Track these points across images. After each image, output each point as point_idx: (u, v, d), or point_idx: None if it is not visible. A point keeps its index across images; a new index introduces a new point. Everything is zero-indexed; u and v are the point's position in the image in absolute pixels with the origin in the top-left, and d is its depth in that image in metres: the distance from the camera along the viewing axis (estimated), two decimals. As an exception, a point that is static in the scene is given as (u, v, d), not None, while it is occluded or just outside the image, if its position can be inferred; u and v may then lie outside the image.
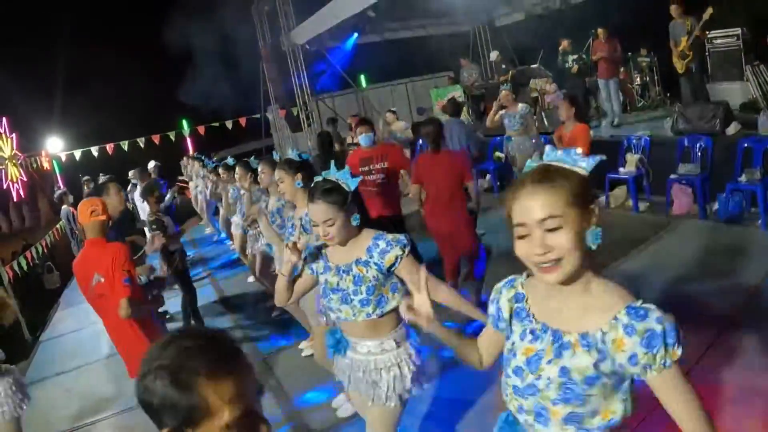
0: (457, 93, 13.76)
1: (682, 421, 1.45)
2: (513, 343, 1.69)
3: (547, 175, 1.51)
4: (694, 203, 7.28)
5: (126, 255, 3.68)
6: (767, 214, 6.42)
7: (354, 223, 2.63)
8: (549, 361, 1.56)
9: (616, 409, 1.53)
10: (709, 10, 8.52)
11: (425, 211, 5.55)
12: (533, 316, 1.65)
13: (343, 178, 2.67)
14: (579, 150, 1.57)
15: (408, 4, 12.38)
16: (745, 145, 6.95)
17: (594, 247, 1.48)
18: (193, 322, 6.29)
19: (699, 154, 7.41)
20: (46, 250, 10.87)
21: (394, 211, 5.87)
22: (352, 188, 2.66)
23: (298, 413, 4.54)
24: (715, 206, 7.02)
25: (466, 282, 5.66)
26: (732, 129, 7.55)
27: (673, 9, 8.99)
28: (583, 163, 1.52)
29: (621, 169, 8.03)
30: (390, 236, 2.63)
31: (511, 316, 1.74)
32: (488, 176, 10.74)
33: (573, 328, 1.54)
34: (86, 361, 6.61)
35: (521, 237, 1.51)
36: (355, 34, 14.36)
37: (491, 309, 1.82)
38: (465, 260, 5.60)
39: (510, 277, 1.80)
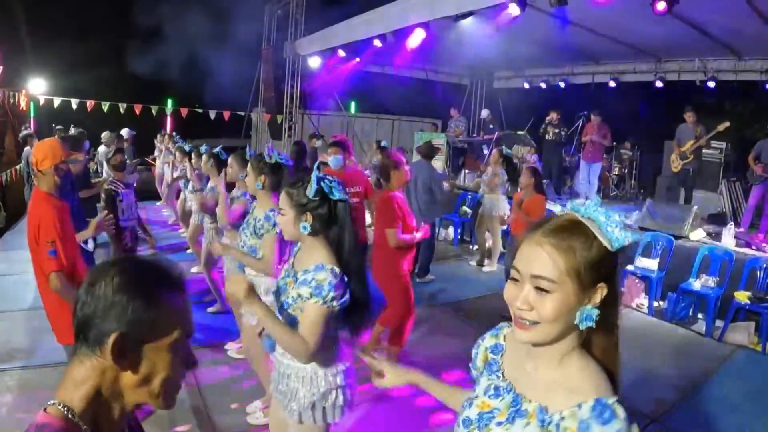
0: (440, 141, 13.86)
1: None
2: (476, 395, 1.54)
3: (567, 230, 1.33)
4: (644, 298, 7.39)
5: (53, 222, 3.33)
6: (713, 323, 6.54)
7: (302, 229, 2.50)
8: (499, 423, 1.42)
9: None
10: (726, 124, 8.81)
11: None
12: (502, 373, 1.52)
13: (328, 185, 2.51)
14: (621, 220, 1.35)
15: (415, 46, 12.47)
16: (706, 252, 7.08)
17: (585, 326, 1.32)
18: None
19: (659, 251, 7.53)
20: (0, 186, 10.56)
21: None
22: (334, 196, 2.51)
23: (208, 412, 4.38)
24: (664, 305, 7.13)
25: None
26: (696, 235, 7.71)
27: (689, 115, 9.27)
28: (613, 235, 1.31)
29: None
30: (322, 276, 2.39)
31: (484, 366, 1.61)
32: (451, 228, 10.80)
33: (536, 398, 1.38)
34: (8, 308, 6.33)
35: (513, 280, 1.37)
36: (357, 59, 14.40)
37: (473, 353, 1.68)
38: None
39: (499, 324, 1.66)
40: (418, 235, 5.12)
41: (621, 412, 1.24)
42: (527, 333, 1.34)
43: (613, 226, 1.31)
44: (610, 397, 1.27)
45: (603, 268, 1.31)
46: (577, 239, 1.31)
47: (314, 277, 2.39)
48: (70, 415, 1.13)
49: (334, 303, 2.38)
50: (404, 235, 4.97)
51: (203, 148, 7.23)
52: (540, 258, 1.31)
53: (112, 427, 1.20)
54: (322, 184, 2.50)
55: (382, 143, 13.15)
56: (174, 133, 12.21)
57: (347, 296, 2.44)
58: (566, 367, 1.37)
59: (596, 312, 1.30)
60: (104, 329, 1.14)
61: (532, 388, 1.41)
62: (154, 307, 1.17)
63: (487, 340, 1.64)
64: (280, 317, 2.52)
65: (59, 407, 1.13)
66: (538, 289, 1.31)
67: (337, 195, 2.51)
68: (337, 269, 2.42)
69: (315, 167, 2.63)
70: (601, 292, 1.32)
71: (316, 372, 2.52)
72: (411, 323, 5.25)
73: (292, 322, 2.49)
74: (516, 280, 1.36)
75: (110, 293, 1.15)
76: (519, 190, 6.99)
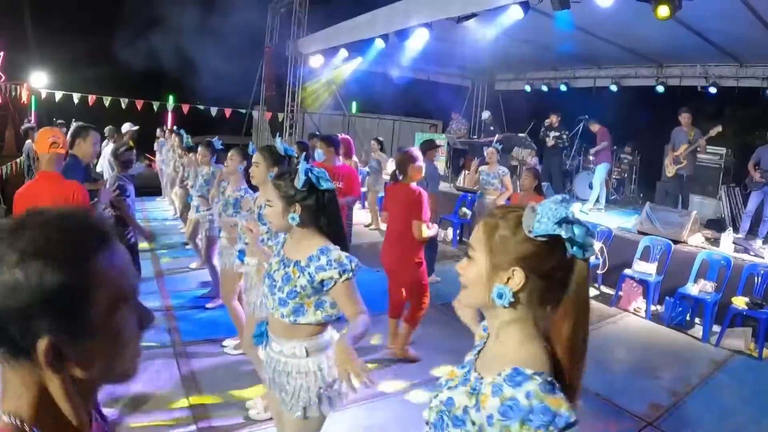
0: (441, 141, 13.87)
1: None
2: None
3: (505, 214, 1.47)
4: (642, 301, 7.40)
5: (85, 199, 3.46)
6: (710, 328, 6.55)
7: (290, 220, 2.54)
8: (450, 388, 1.53)
9: None
10: (718, 128, 8.83)
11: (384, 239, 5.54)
12: (480, 350, 1.61)
13: (316, 175, 2.55)
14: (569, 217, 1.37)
15: (417, 47, 12.49)
16: (704, 258, 7.10)
17: (499, 304, 1.41)
18: None
19: (658, 256, 7.54)
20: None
21: None
22: (321, 187, 2.56)
23: (207, 409, 4.38)
24: (662, 309, 7.15)
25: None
26: (694, 240, 7.71)
27: (684, 117, 9.25)
28: (535, 224, 1.37)
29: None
30: (336, 255, 2.50)
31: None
32: (450, 228, 10.79)
33: (480, 368, 1.51)
34: None
35: None
36: (360, 59, 14.41)
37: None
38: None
39: None
40: (432, 232, 5.31)
41: (538, 378, 1.30)
42: (459, 295, 1.55)
43: (546, 218, 1.36)
44: (530, 369, 1.33)
45: (518, 252, 1.41)
46: (505, 221, 1.45)
47: (328, 258, 2.48)
48: (21, 425, 0.93)
49: (359, 268, 2.54)
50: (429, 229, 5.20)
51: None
52: (476, 231, 1.50)
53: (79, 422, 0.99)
54: (309, 174, 2.53)
55: (379, 139, 13.15)
56: (177, 128, 12.19)
57: None
58: (505, 341, 1.47)
59: (510, 292, 1.40)
60: (27, 328, 0.89)
61: (483, 361, 1.54)
62: (81, 277, 0.92)
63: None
64: (284, 308, 2.55)
65: (8, 419, 0.93)
66: (468, 256, 1.50)
67: (324, 185, 2.56)
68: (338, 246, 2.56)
69: (302, 159, 2.68)
70: (517, 275, 1.40)
71: (318, 364, 2.55)
72: (427, 303, 5.40)
73: (298, 311, 2.53)
74: None
75: (19, 274, 0.88)
76: (517, 191, 7.01)
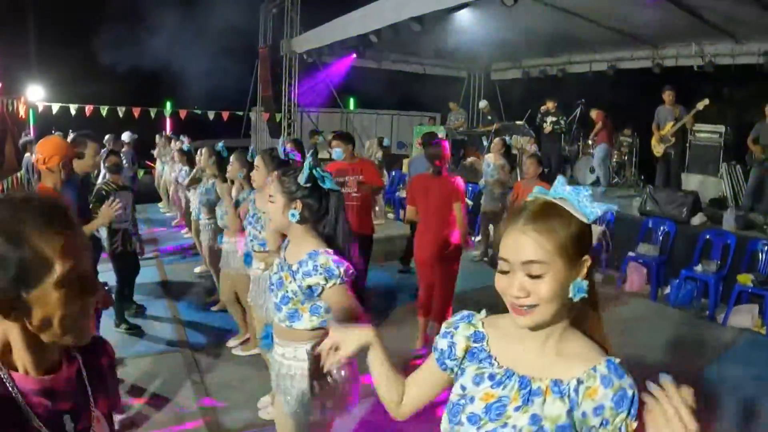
0: (440, 134, 13.83)
1: None
2: (464, 388, 1.51)
3: (545, 214, 1.38)
4: (647, 284, 7.39)
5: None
6: (716, 307, 6.55)
7: (290, 216, 2.49)
8: (517, 408, 1.41)
9: None
10: (706, 101, 8.81)
11: (416, 234, 5.53)
12: (495, 360, 1.50)
13: (320, 174, 2.52)
14: (588, 193, 1.41)
15: (411, 40, 12.47)
16: (707, 236, 7.10)
17: (576, 299, 1.38)
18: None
19: (661, 237, 7.54)
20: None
21: (365, 229, 5.80)
22: (325, 186, 2.52)
23: (216, 410, 4.41)
24: (667, 290, 7.15)
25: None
26: (697, 219, 7.70)
27: (668, 94, 9.28)
28: (587, 209, 1.38)
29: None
30: (323, 260, 2.40)
31: (464, 356, 1.57)
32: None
33: (544, 374, 1.41)
34: None
35: (503, 272, 1.40)
36: (354, 55, 14.41)
37: (442, 344, 1.61)
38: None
39: (466, 312, 1.64)
40: None
41: (624, 366, 1.38)
42: (528, 317, 1.38)
43: (584, 201, 1.38)
44: (615, 358, 1.39)
45: (584, 241, 1.40)
46: (555, 219, 1.37)
47: (315, 263, 2.39)
48: None
49: (350, 273, 2.42)
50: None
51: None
52: (527, 245, 1.36)
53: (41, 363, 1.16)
54: (313, 171, 2.50)
55: (384, 141, 13.17)
56: (177, 135, 12.20)
57: (351, 266, 2.47)
58: (566, 342, 1.44)
59: (585, 283, 1.38)
60: None
61: (535, 367, 1.43)
62: (19, 246, 1.05)
63: (462, 329, 1.60)
64: (280, 313, 2.54)
65: None
66: (530, 276, 1.35)
67: (328, 184, 2.52)
68: (330, 249, 2.46)
69: (309, 155, 2.65)
70: (586, 264, 1.39)
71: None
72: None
73: (293, 316, 2.51)
74: (506, 270, 1.39)
75: None
76: (521, 179, 7.01)
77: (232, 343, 5.54)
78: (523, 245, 1.36)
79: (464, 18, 9.43)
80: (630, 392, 1.34)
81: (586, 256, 1.39)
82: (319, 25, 13.66)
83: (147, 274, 7.41)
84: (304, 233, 2.54)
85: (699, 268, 6.85)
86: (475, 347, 1.55)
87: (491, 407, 1.44)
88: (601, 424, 1.34)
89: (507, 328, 1.50)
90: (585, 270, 1.39)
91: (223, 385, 4.81)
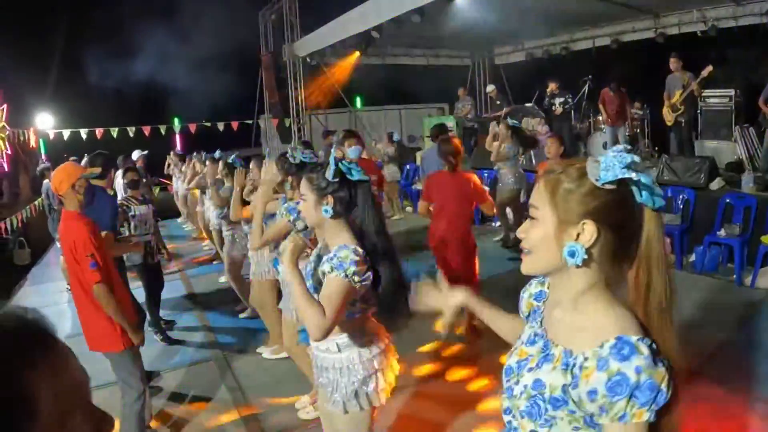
0: (450, 123, 13.82)
1: None
2: (520, 343, 1.54)
3: (565, 165, 1.38)
4: (671, 253, 7.35)
5: (87, 236, 3.47)
6: (743, 270, 6.52)
7: (324, 212, 2.51)
8: (530, 369, 1.42)
9: None
10: (709, 68, 8.78)
11: (430, 225, 5.52)
12: (542, 320, 1.52)
13: (347, 166, 2.53)
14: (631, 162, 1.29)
15: (412, 32, 12.48)
16: (727, 200, 7.05)
17: (572, 263, 1.31)
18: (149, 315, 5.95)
19: (681, 205, 7.50)
20: (20, 225, 10.72)
21: None
22: (354, 178, 2.52)
23: (258, 417, 4.45)
24: (692, 258, 7.12)
25: None
26: (716, 184, 7.65)
27: (673, 62, 9.24)
28: (601, 172, 1.29)
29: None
30: (344, 253, 2.38)
31: (528, 315, 1.62)
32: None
33: (563, 341, 1.38)
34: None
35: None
36: (357, 53, 14.43)
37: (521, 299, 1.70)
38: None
39: None
40: None
41: (644, 349, 1.22)
42: (524, 262, 1.43)
43: (612, 164, 1.29)
44: (634, 336, 1.25)
45: (587, 204, 1.31)
46: (567, 175, 1.35)
47: (336, 254, 2.40)
48: None
49: (356, 278, 2.36)
50: None
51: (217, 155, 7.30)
52: (536, 189, 1.40)
53: None
54: (340, 165, 2.52)
55: (394, 136, 13.18)
56: (190, 152, 12.25)
57: (370, 275, 2.44)
58: (586, 309, 1.37)
59: (582, 249, 1.30)
60: None
61: (560, 332, 1.42)
62: (14, 392, 0.76)
63: (533, 287, 1.65)
64: None
65: None
66: (530, 218, 1.40)
67: (356, 176, 2.53)
68: (359, 249, 2.44)
69: (332, 151, 2.69)
70: (588, 229, 1.31)
71: (352, 360, 2.54)
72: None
73: None
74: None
75: None
76: (545, 159, 7.02)
77: (261, 349, 5.60)
78: (535, 190, 1.41)
79: (463, 4, 9.41)
80: (633, 378, 1.19)
81: (588, 221, 1.31)
82: (318, 26, 13.70)
83: (174, 288, 7.51)
84: (337, 229, 2.54)
85: (722, 232, 6.82)
86: (536, 307, 1.60)
87: (520, 363, 1.48)
88: (600, 409, 1.25)
89: (558, 291, 1.47)
90: (587, 236, 1.31)
91: (259, 389, 4.86)
